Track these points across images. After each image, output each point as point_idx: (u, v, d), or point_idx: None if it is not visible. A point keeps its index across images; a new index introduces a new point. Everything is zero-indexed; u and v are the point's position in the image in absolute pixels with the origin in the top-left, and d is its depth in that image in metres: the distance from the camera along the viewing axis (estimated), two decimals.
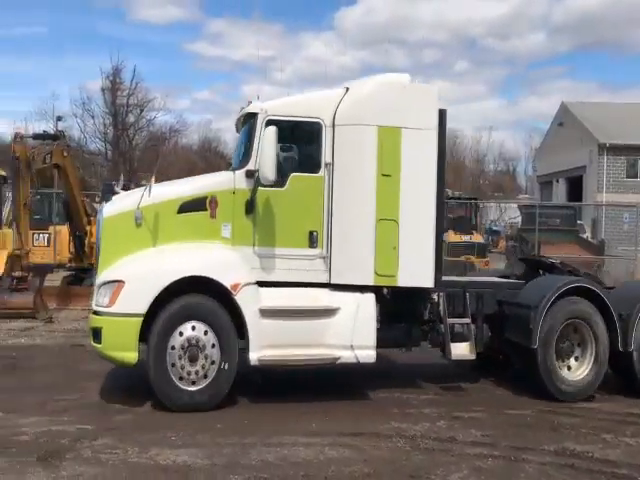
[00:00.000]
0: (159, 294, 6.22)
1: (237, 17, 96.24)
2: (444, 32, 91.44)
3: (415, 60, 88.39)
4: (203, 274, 6.38)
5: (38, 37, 77.08)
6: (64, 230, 16.38)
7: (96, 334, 6.38)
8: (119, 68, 44.73)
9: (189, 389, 6.31)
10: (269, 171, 6.41)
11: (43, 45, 78.88)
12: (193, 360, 6.31)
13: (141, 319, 6.22)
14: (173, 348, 6.27)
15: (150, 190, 6.55)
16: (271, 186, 6.63)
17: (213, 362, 6.35)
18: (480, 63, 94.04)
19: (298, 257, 6.77)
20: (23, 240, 11.96)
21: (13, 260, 11.95)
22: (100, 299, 6.44)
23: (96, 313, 6.45)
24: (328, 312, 6.70)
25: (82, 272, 14.29)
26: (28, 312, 11.42)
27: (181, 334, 6.30)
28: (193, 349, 6.31)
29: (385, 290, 7.16)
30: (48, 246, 16.67)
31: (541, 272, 8.43)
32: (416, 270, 6.95)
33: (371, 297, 6.84)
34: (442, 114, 7.08)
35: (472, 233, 21.97)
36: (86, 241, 14.15)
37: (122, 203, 6.89)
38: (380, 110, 6.88)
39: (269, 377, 7.61)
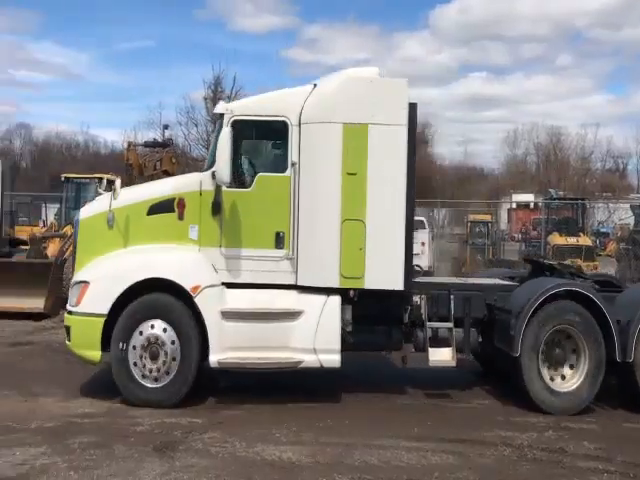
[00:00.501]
0: (122, 295, 6.34)
1: (332, 21, 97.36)
2: (545, 25, 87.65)
3: (515, 55, 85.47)
4: (164, 276, 6.43)
5: (147, 51, 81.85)
6: None
7: (67, 332, 6.65)
8: (220, 77, 46.41)
9: (152, 386, 6.38)
10: (224, 173, 6.37)
11: (151, 58, 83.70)
12: (154, 358, 6.36)
13: (103, 319, 6.36)
14: (134, 347, 6.36)
15: (115, 193, 6.68)
16: (238, 187, 6.66)
17: (174, 359, 6.37)
18: (585, 56, 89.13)
19: (265, 258, 6.66)
20: None
21: None
22: (71, 299, 6.67)
23: (69, 312, 6.67)
24: (291, 315, 6.54)
25: None
26: None
27: (141, 333, 6.38)
28: (153, 347, 6.37)
29: (359, 292, 6.72)
30: None
31: (547, 274, 7.77)
32: (384, 272, 6.64)
33: (336, 300, 6.60)
34: (412, 109, 6.71)
35: (579, 235, 20.90)
36: None
37: (96, 205, 7.10)
38: (345, 107, 6.66)
39: (366, 378, 7.65)
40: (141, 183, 12.77)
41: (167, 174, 13.99)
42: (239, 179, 6.78)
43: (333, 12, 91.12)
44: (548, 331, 6.63)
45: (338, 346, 6.52)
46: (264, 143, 7.15)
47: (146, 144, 14.91)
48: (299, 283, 6.64)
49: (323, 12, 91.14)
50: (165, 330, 6.41)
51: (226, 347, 6.42)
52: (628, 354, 6.58)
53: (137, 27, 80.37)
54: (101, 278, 6.54)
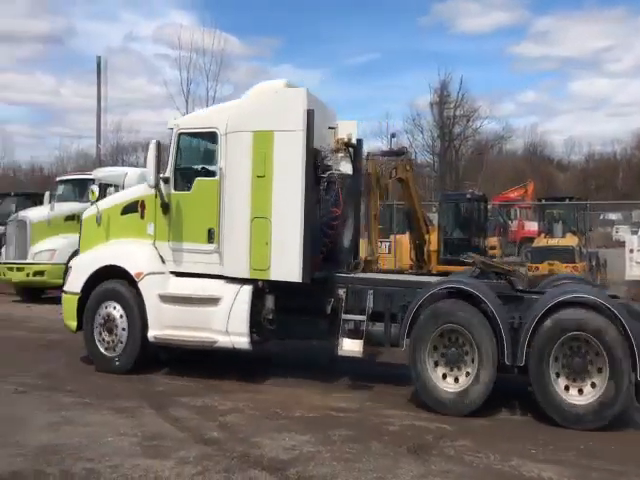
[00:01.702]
0: (90, 278, 7.96)
1: (566, 11, 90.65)
2: None
3: None
4: (117, 264, 7.87)
5: (373, 63, 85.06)
6: (404, 239, 17.66)
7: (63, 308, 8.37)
8: (446, 81, 46.36)
9: (110, 355, 7.83)
10: (150, 178, 7.64)
11: (377, 70, 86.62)
12: (110, 332, 7.84)
13: (77, 297, 8.02)
14: (97, 325, 7.89)
15: (93, 195, 9.31)
16: (182, 190, 7.78)
17: (124, 329, 7.78)
18: None
19: (200, 251, 7.66)
20: (373, 247, 13.25)
21: (365, 265, 13.34)
22: (65, 281, 8.44)
23: (63, 292, 8.42)
24: (212, 301, 7.43)
25: None
26: None
27: (99, 313, 7.89)
28: (109, 323, 7.84)
29: (287, 284, 7.21)
30: (389, 253, 18.12)
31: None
32: (285, 265, 7.16)
33: (248, 289, 7.35)
34: (309, 115, 7.12)
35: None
36: (425, 249, 15.01)
37: (93, 207, 8.67)
38: (255, 116, 7.36)
39: None
40: (377, 191, 13.34)
41: (401, 181, 14.35)
42: (184, 183, 7.84)
43: (566, 1, 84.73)
44: (436, 329, 6.55)
45: (247, 330, 7.29)
46: (203, 151, 8.08)
47: (383, 153, 15.43)
48: (224, 274, 7.51)
49: (555, 2, 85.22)
50: (115, 308, 7.85)
51: (161, 325, 7.64)
52: (519, 358, 6.15)
53: (363, 42, 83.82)
54: (78, 265, 8.34)
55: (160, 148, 7.70)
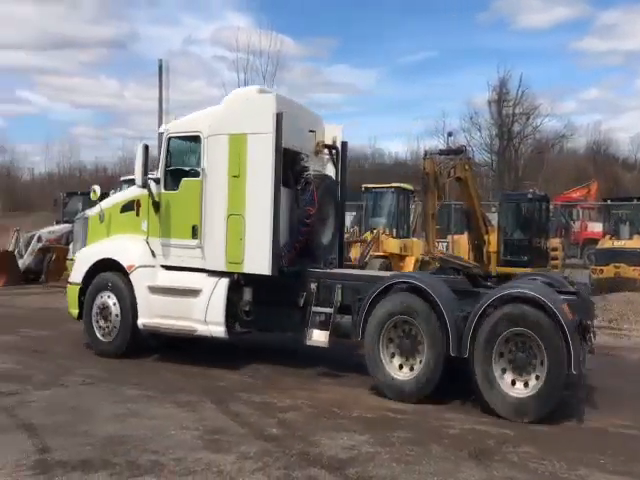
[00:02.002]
0: (89, 270, 8.69)
1: (633, 3, 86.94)
2: None
3: None
4: (112, 257, 8.55)
5: (430, 61, 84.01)
6: (462, 239, 17.36)
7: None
8: (505, 79, 45.21)
9: (106, 340, 8.54)
10: (137, 178, 8.22)
11: (434, 68, 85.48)
12: (105, 319, 8.51)
13: (78, 287, 8.79)
14: (95, 312, 8.57)
15: (94, 194, 9.08)
16: (171, 189, 8.29)
17: (117, 316, 8.43)
18: None
19: (186, 246, 8.15)
20: (430, 248, 13.08)
21: (422, 266, 13.21)
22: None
23: (68, 283, 9.20)
24: (194, 292, 7.95)
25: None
26: None
27: (96, 302, 8.58)
28: (105, 311, 8.51)
29: (263, 277, 7.65)
30: None
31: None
32: (256, 258, 7.61)
33: (225, 282, 7.86)
34: (278, 118, 7.53)
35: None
36: (484, 250, 14.70)
37: (97, 206, 9.30)
38: (231, 120, 7.87)
39: None
40: (435, 190, 13.15)
41: (460, 181, 14.11)
42: (172, 183, 8.33)
43: None
44: (388, 320, 6.87)
45: (223, 319, 7.78)
46: (189, 154, 8.47)
47: (441, 152, 15.15)
48: (205, 267, 8.01)
49: None
50: (110, 297, 8.51)
51: (150, 314, 8.24)
52: (463, 350, 6.39)
53: (420, 40, 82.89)
54: (80, 258, 9.09)
55: (148, 151, 8.26)
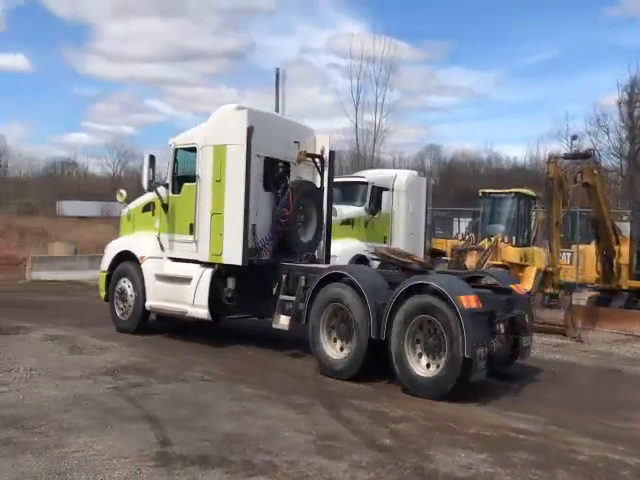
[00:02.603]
0: (114, 260, 10.42)
1: None
2: None
3: None
4: (129, 249, 10.21)
5: (551, 62, 79.99)
6: (588, 249, 16.23)
7: None
8: (637, 78, 41.89)
9: (124, 319, 10.17)
10: (144, 184, 9.78)
11: (555, 69, 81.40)
12: (124, 301, 10.17)
13: (106, 274, 10.50)
14: (116, 294, 10.25)
15: (121, 196, 10.57)
16: (176, 193, 9.73)
17: (131, 296, 10.06)
18: None
19: (185, 241, 9.47)
20: (555, 258, 12.31)
21: (544, 277, 12.44)
22: None
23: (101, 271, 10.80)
24: (187, 280, 9.28)
25: (609, 293, 13.82)
26: (559, 329, 11.65)
27: (117, 286, 10.26)
28: (123, 294, 10.16)
29: (241, 268, 8.87)
30: (570, 264, 16.77)
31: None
32: (232, 251, 8.84)
33: (210, 271, 9.13)
34: (249, 131, 8.73)
35: None
36: (614, 261, 13.62)
37: (126, 207, 10.94)
38: (215, 133, 9.21)
39: None
40: (560, 197, 12.35)
41: (587, 186, 13.18)
42: (177, 188, 9.72)
43: None
44: (326, 307, 7.94)
45: (206, 303, 9.04)
46: (190, 162, 9.63)
47: (566, 156, 14.30)
48: (198, 258, 9.28)
49: None
50: (126, 282, 10.17)
51: (155, 297, 9.74)
52: (381, 333, 7.23)
53: (541, 40, 79.26)
54: (108, 249, 10.71)
55: (153, 160, 9.71)
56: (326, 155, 9.97)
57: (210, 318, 9.15)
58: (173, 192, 9.75)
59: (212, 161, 9.11)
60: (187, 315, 9.33)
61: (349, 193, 14.16)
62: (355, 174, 16.78)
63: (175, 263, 9.67)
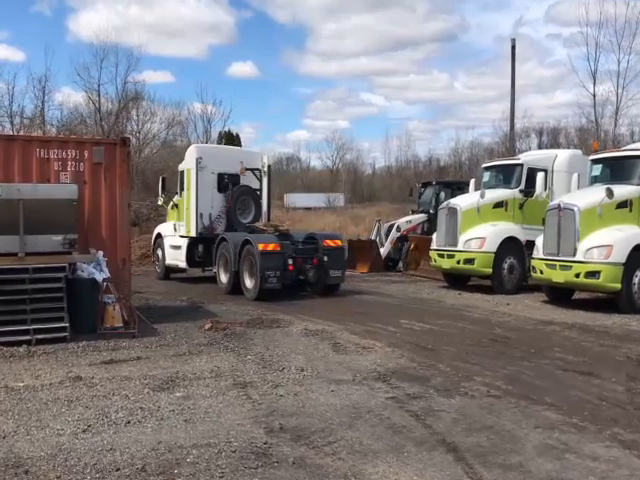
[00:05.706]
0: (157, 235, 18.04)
1: None
2: None
3: None
4: (163, 232, 17.34)
5: None
6: None
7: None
8: None
9: (158, 271, 17.37)
10: (160, 197, 17.56)
11: None
12: (158, 260, 17.61)
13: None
14: (155, 256, 17.95)
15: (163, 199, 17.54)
16: (180, 197, 15.78)
17: (162, 258, 17.22)
18: None
19: (182, 225, 15.40)
20: None
21: None
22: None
23: None
24: (179, 247, 15.49)
25: None
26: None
27: (155, 251, 17.94)
28: (158, 256, 17.56)
29: (195, 238, 14.99)
30: None
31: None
32: (192, 229, 14.87)
33: (186, 241, 15.11)
34: (197, 160, 14.71)
35: None
36: None
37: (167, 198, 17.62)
38: (186, 160, 15.39)
39: None
40: None
41: None
42: (180, 194, 15.63)
43: None
44: (220, 255, 14.07)
45: (185, 260, 15.30)
46: (185, 179, 15.46)
47: None
48: (184, 234, 15.22)
49: None
50: (159, 249, 17.13)
51: (169, 258, 16.25)
52: (235, 266, 13.16)
53: None
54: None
55: (164, 181, 17.01)
56: (265, 168, 15.36)
57: (188, 267, 15.57)
58: (179, 197, 15.66)
59: (186, 178, 15.04)
60: (179, 267, 15.91)
61: (505, 175, 14.94)
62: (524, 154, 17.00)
63: (178, 238, 15.56)
